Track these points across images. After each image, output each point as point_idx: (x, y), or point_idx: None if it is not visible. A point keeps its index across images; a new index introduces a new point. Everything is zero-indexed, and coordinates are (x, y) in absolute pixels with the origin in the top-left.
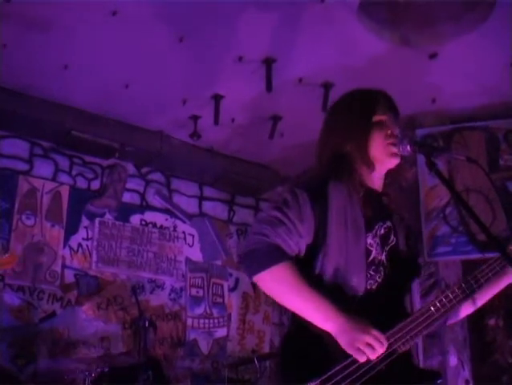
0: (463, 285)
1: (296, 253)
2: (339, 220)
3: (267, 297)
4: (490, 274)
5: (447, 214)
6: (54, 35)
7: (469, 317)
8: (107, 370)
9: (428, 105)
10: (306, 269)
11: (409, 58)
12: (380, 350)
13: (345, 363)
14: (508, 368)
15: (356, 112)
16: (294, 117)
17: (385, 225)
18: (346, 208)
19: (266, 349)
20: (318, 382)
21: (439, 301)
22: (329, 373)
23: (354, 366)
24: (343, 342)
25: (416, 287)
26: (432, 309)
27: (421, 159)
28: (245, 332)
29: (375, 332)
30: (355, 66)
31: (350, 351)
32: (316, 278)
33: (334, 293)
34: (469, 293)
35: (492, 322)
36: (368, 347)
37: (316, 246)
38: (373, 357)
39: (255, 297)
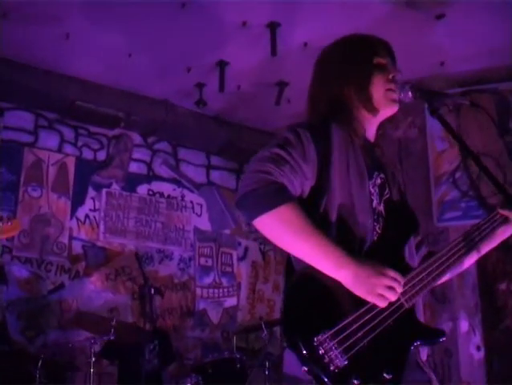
0: (467, 237)
1: (299, 195)
2: (342, 163)
3: (277, 265)
4: (495, 224)
5: (456, 178)
6: (54, 5)
7: (480, 282)
8: (113, 338)
9: (437, 68)
10: (310, 211)
11: (416, 20)
12: (400, 289)
13: (357, 315)
14: None
15: (356, 53)
16: (301, 83)
17: (381, 176)
18: (348, 152)
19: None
20: (330, 333)
21: (443, 255)
22: (342, 323)
23: (367, 317)
24: (360, 289)
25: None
26: (436, 263)
27: (430, 123)
28: (254, 301)
29: (391, 272)
30: (362, 29)
31: (370, 298)
32: (321, 220)
33: (341, 235)
34: (473, 245)
35: (503, 286)
36: (389, 290)
37: (319, 188)
38: (394, 298)
39: (265, 266)
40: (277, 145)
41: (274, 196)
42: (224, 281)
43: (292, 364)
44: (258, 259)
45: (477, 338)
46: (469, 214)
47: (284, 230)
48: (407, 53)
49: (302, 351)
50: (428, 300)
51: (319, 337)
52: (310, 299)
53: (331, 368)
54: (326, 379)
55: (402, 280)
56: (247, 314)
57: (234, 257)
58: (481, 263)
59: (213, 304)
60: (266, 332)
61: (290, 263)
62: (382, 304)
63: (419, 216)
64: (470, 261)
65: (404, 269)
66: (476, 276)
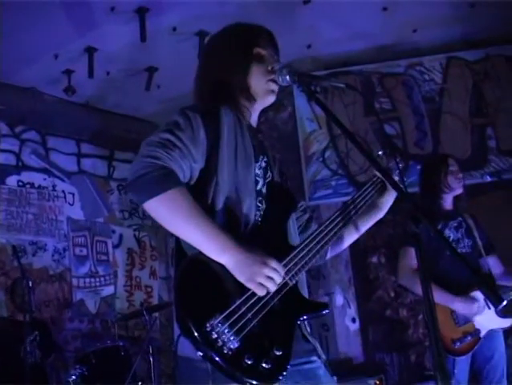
0: (342, 211)
1: (188, 180)
2: (230, 147)
3: (152, 251)
4: (368, 198)
5: (326, 158)
6: None
7: (353, 257)
8: None
9: (304, 50)
10: (198, 195)
11: (284, 4)
12: (279, 280)
13: (245, 297)
14: (391, 302)
15: (236, 44)
16: (171, 68)
17: (264, 159)
18: (237, 135)
19: (155, 303)
20: (221, 317)
21: (321, 231)
22: (232, 306)
23: (255, 298)
24: (241, 276)
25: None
26: (316, 240)
27: (299, 105)
28: (132, 288)
29: (273, 263)
30: (230, 14)
31: (250, 285)
32: (209, 204)
33: (227, 218)
34: (349, 219)
35: (374, 259)
36: (268, 280)
37: (208, 171)
38: (273, 289)
39: (140, 253)
40: (166, 130)
41: (162, 180)
42: (100, 269)
43: (186, 346)
44: (134, 246)
45: (352, 311)
46: (340, 192)
47: (171, 214)
48: (275, 35)
49: (195, 337)
50: None
51: (211, 321)
52: (201, 284)
53: (225, 351)
54: (221, 363)
55: (282, 270)
56: (125, 301)
57: (109, 245)
58: None
59: (91, 294)
60: (147, 318)
61: (180, 248)
62: (260, 292)
63: None
64: (353, 237)
65: (285, 247)
66: (348, 251)
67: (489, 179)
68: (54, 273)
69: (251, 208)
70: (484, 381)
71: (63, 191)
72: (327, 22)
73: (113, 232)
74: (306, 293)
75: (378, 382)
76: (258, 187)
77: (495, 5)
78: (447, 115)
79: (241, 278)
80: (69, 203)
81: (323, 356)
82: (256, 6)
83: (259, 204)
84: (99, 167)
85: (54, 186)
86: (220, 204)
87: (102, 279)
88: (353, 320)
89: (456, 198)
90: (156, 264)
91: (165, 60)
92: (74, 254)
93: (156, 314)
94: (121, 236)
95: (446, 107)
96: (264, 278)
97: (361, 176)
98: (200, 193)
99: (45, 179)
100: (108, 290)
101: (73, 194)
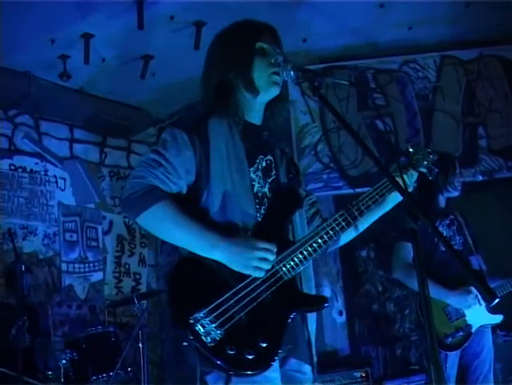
0: (345, 213)
1: (177, 192)
2: (221, 157)
3: (142, 238)
4: (370, 202)
5: (318, 151)
6: None
7: (342, 250)
8: None
9: (299, 44)
10: (190, 204)
11: None
12: (272, 257)
13: (234, 290)
14: (378, 297)
15: (238, 39)
16: (166, 56)
17: (266, 158)
18: (227, 144)
19: (144, 290)
20: (206, 310)
21: (322, 230)
22: (219, 300)
23: (244, 292)
24: (236, 265)
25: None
26: (316, 237)
27: (293, 96)
28: (121, 275)
29: (261, 244)
30: (228, 5)
31: (246, 272)
32: (203, 212)
33: (224, 225)
34: (351, 221)
35: (363, 253)
36: (262, 261)
37: (200, 183)
38: (269, 267)
39: (130, 240)
40: (153, 150)
41: (147, 197)
42: (90, 255)
43: None
44: (123, 233)
45: (340, 304)
46: (331, 185)
47: (161, 225)
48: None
49: (179, 328)
50: None
51: (196, 315)
52: (191, 281)
53: (207, 341)
54: (203, 351)
55: (274, 248)
56: (114, 288)
57: (99, 232)
58: None
59: (80, 279)
60: (138, 305)
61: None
62: (259, 274)
63: None
64: (351, 234)
65: (285, 244)
66: None
67: (480, 178)
68: (44, 258)
69: (249, 212)
70: (472, 376)
71: (55, 176)
72: (323, 17)
73: (103, 218)
74: (311, 287)
75: (364, 375)
76: (255, 190)
77: (490, 5)
78: (439, 113)
79: (237, 268)
80: (60, 188)
81: (314, 361)
82: None
83: (257, 206)
84: (92, 153)
85: (45, 171)
86: (215, 210)
87: (91, 265)
88: (340, 313)
89: (448, 197)
90: (146, 251)
91: (161, 48)
92: (64, 239)
93: (144, 302)
94: (111, 222)
95: (439, 104)
96: (257, 261)
97: (352, 170)
98: (193, 202)
99: (37, 163)
100: (97, 276)
101: (64, 179)
